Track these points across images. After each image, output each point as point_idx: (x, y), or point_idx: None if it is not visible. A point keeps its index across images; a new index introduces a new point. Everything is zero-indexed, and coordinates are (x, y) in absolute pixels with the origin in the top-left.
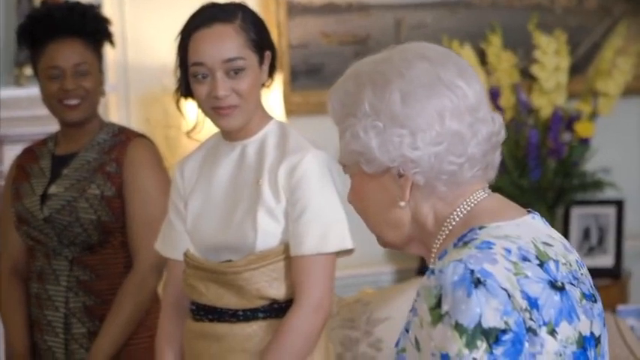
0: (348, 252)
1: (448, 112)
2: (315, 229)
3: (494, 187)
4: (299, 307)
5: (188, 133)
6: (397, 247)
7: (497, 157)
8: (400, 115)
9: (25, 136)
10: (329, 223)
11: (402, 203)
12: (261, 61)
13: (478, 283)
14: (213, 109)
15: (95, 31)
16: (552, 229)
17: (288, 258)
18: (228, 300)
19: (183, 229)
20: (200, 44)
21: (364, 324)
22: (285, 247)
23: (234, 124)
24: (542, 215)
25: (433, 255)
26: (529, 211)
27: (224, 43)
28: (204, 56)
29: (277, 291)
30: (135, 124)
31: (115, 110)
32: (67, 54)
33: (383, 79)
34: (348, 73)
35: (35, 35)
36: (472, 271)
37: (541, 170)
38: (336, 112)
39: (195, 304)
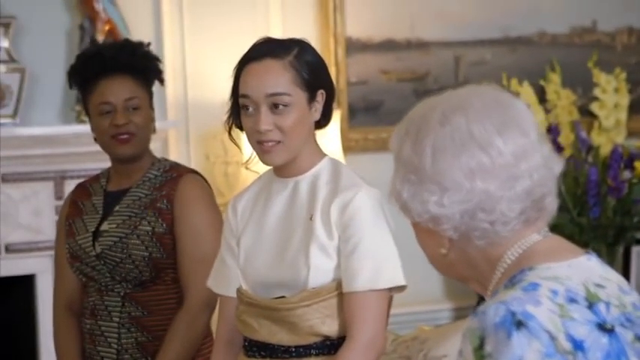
0: (400, 289)
1: (478, 172)
2: (367, 266)
3: (553, 225)
4: (352, 343)
5: (245, 165)
6: (459, 281)
7: (549, 204)
8: (429, 172)
9: (85, 171)
10: (381, 260)
11: (444, 251)
12: (311, 100)
13: (520, 325)
14: (257, 143)
15: (145, 68)
16: (611, 270)
17: (341, 295)
18: (281, 336)
19: (235, 266)
20: (248, 77)
21: None
22: (338, 284)
23: (277, 160)
24: (601, 254)
25: (488, 295)
26: (587, 252)
27: (270, 78)
28: (250, 89)
29: (330, 328)
30: (194, 160)
31: (174, 146)
32: (117, 89)
33: (423, 130)
34: (408, 115)
35: (85, 74)
36: (514, 313)
37: (601, 208)
38: (393, 151)
39: (247, 340)
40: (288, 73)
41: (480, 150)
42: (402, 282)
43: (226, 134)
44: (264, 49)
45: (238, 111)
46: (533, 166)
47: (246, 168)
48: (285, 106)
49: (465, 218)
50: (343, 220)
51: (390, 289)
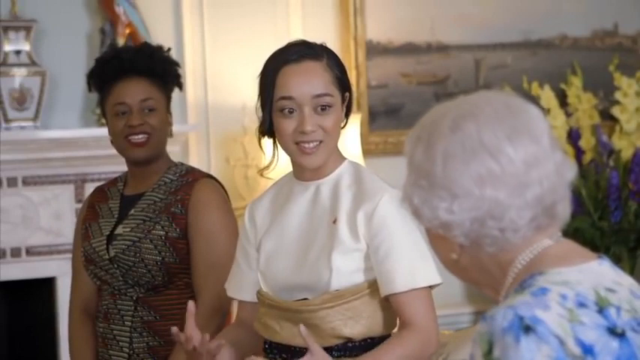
0: (435, 286)
1: (488, 179)
2: (402, 267)
3: (573, 229)
4: (406, 332)
5: (261, 171)
6: (473, 285)
7: (561, 211)
8: (440, 178)
9: (106, 174)
10: (415, 260)
11: (455, 256)
12: (342, 101)
13: (528, 329)
14: (297, 145)
15: (162, 72)
16: (623, 274)
17: (363, 297)
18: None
19: (248, 272)
20: (289, 79)
21: None
22: (361, 287)
23: (318, 161)
24: (623, 258)
25: (501, 300)
26: (599, 257)
27: (314, 79)
28: (294, 90)
29: (352, 330)
30: (214, 164)
31: (195, 149)
32: (133, 91)
33: (434, 136)
34: (420, 120)
35: (103, 77)
36: (522, 318)
37: (622, 212)
38: (406, 156)
39: (268, 342)
40: (327, 74)
41: (490, 157)
42: (437, 280)
43: (246, 137)
44: (300, 51)
45: (269, 116)
46: (544, 173)
47: (261, 175)
48: (328, 106)
49: (474, 225)
50: (371, 229)
51: (430, 286)
